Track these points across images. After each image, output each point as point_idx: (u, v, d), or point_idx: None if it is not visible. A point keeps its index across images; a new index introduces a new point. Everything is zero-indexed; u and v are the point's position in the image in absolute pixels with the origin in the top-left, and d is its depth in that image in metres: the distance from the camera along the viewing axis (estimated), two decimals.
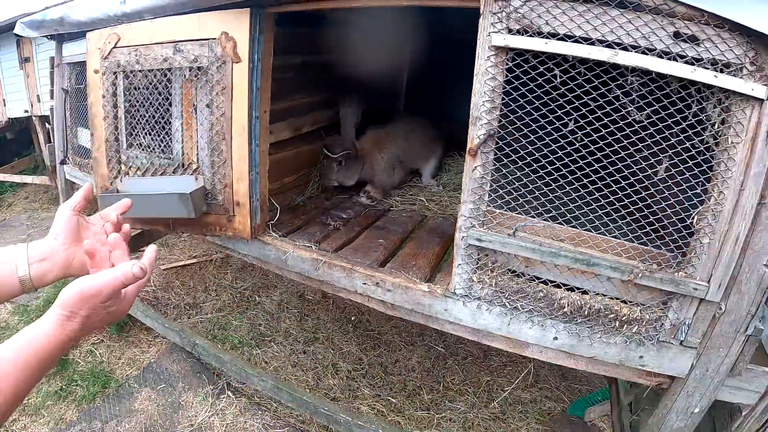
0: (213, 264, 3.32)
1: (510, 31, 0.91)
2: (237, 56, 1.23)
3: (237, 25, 1.22)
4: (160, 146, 1.49)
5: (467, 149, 1.06)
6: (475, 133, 1.04)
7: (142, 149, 1.50)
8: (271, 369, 2.45)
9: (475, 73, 0.98)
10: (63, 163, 2.34)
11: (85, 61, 1.93)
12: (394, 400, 2.27)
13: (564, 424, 2.18)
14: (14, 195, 4.94)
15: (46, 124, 4.18)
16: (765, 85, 0.88)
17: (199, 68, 1.28)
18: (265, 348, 2.56)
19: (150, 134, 1.49)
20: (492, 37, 0.93)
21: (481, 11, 0.94)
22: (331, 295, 3.03)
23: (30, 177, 4.67)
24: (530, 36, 0.90)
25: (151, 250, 0.74)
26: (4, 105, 4.76)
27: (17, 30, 2.30)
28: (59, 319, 0.70)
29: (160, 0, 1.32)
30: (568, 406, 2.31)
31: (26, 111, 4.56)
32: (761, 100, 0.88)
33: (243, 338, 2.63)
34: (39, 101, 4.34)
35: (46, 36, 2.29)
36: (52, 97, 2.44)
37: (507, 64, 0.94)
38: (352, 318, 2.84)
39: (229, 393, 2.31)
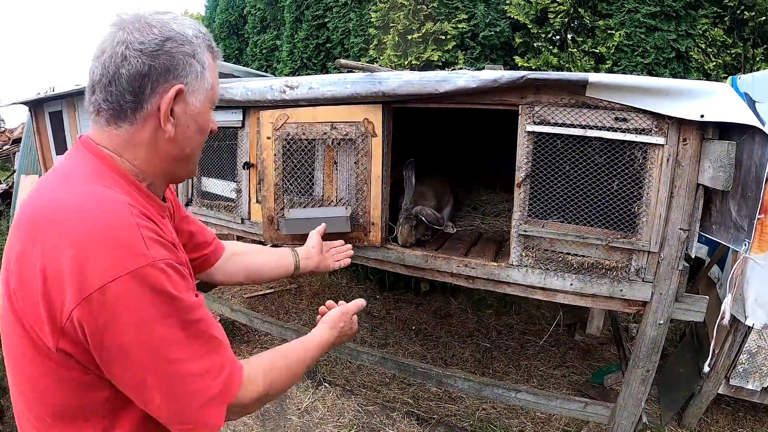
0: (288, 293, 4.40)
1: (534, 123, 2.09)
2: (374, 133, 2.39)
3: (374, 114, 2.39)
4: (304, 189, 2.63)
5: (515, 183, 2.20)
6: (519, 175, 2.19)
7: (295, 191, 2.63)
8: (356, 366, 3.49)
9: (517, 144, 2.16)
10: (187, 204, 3.45)
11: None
12: None
13: (588, 388, 3.21)
14: None
15: None
16: (663, 137, 2.02)
17: (349, 140, 2.44)
18: None
19: (299, 181, 2.63)
20: (525, 126, 2.11)
21: (519, 112, 2.11)
22: (393, 311, 4.11)
23: None
24: (544, 125, 2.07)
25: (361, 301, 1.52)
26: None
27: None
28: (326, 328, 1.35)
29: (318, 95, 2.46)
30: (591, 377, 3.35)
31: None
32: (662, 145, 2.02)
33: None
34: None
35: None
36: None
37: (533, 139, 2.11)
38: (413, 327, 3.91)
39: (326, 384, 3.32)
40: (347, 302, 1.48)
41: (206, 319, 0.94)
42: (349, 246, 2.09)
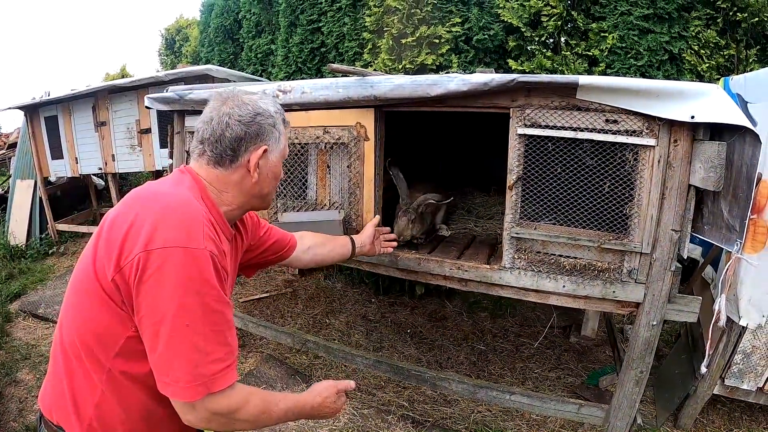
0: (284, 297, 4.39)
1: (525, 125, 2.09)
2: (367, 137, 2.39)
3: (366, 118, 2.39)
4: (297, 193, 2.63)
5: (507, 186, 2.20)
6: (510, 177, 2.19)
7: (288, 195, 2.63)
8: (351, 369, 3.48)
9: (509, 147, 2.16)
10: None
11: None
12: None
13: (584, 390, 3.20)
14: (75, 244, 6.11)
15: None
16: (654, 138, 2.03)
17: (342, 143, 2.44)
18: None
19: (292, 185, 2.63)
20: (516, 128, 2.11)
21: (510, 115, 2.12)
22: (388, 315, 4.10)
23: (94, 227, 5.88)
24: (535, 127, 2.08)
25: (352, 383, 1.52)
26: (77, 163, 5.97)
27: (146, 103, 3.11)
28: (312, 393, 1.41)
29: (311, 99, 2.46)
30: (586, 378, 3.34)
31: (100, 168, 5.75)
32: (653, 146, 2.03)
33: None
34: (114, 160, 5.52)
35: (172, 110, 3.10)
36: (171, 157, 3.46)
37: (525, 142, 2.12)
38: (408, 331, 3.90)
39: None
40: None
41: (226, 318, 1.14)
42: (394, 236, 2.43)
